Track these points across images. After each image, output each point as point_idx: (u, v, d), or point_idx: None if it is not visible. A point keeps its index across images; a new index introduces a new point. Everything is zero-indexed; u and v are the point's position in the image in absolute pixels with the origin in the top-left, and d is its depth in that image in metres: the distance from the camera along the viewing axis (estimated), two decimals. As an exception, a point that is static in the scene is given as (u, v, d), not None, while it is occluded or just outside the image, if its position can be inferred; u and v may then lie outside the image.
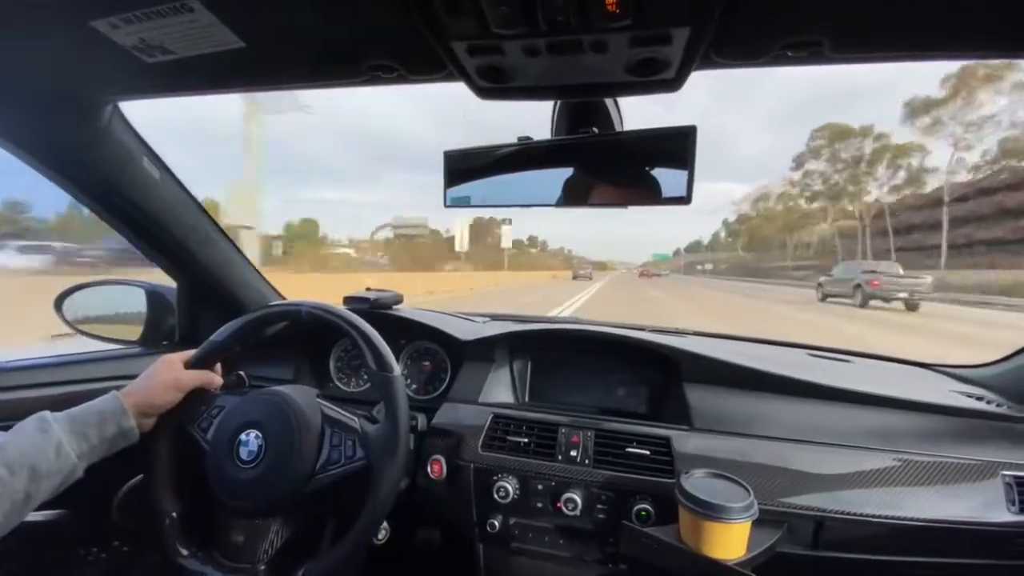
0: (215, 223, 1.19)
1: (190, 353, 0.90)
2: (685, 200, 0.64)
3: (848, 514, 0.85)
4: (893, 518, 0.84)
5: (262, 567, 0.78)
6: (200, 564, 0.78)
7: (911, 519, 0.84)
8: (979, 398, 1.05)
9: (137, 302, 1.37)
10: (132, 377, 0.84)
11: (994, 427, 0.96)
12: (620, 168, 0.70)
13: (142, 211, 1.04)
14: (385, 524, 0.93)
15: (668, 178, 0.65)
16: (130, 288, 1.37)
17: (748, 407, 1.01)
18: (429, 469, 1.00)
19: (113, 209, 1.03)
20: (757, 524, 0.76)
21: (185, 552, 0.80)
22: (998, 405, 1.01)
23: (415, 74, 0.62)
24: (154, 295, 1.34)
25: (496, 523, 0.97)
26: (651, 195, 0.67)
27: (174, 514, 0.83)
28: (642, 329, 1.37)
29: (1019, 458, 0.89)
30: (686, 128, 0.62)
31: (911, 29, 0.48)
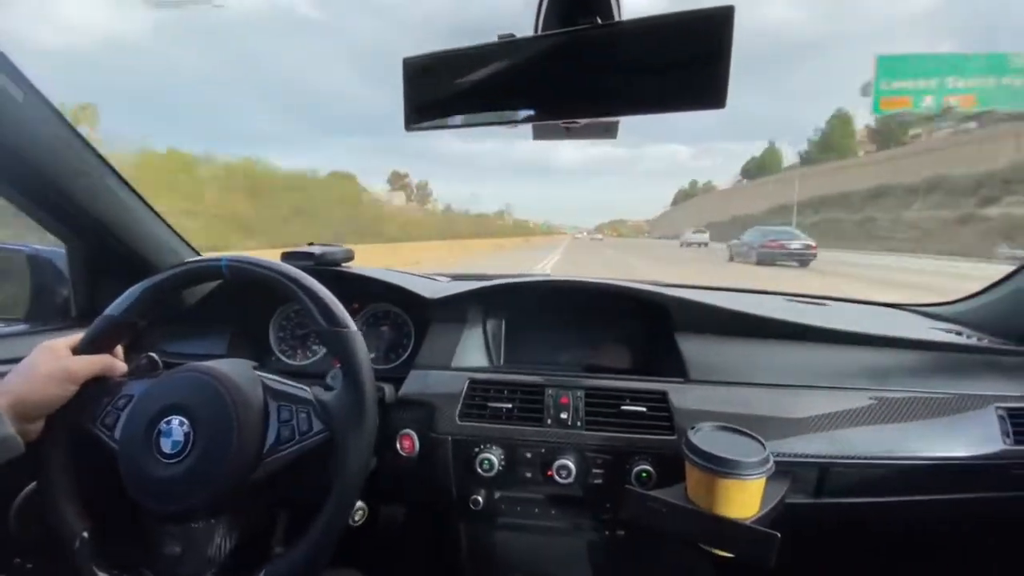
0: (109, 165, 0.95)
1: (77, 337, 0.70)
2: (718, 102, 0.52)
3: (850, 458, 0.82)
4: (893, 458, 0.82)
5: None
6: None
7: (910, 457, 0.82)
8: (958, 333, 1.06)
9: (19, 270, 1.12)
10: (17, 362, 0.65)
11: (980, 360, 0.96)
12: (633, 68, 0.56)
13: (3, 149, 0.80)
14: (361, 503, 0.80)
15: (698, 75, 0.52)
16: (6, 253, 1.12)
17: (743, 354, 0.95)
18: (399, 446, 0.87)
19: None
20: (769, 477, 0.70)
21: None
22: (979, 339, 1.02)
23: None
24: (38, 261, 1.10)
25: (480, 499, 0.87)
26: (673, 99, 0.55)
27: (85, 534, 0.66)
28: (619, 283, 1.29)
29: (1009, 390, 0.90)
30: (721, 8, 0.50)
31: None
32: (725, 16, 0.50)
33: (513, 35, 0.61)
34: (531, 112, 0.63)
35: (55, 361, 0.66)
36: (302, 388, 0.69)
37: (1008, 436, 0.84)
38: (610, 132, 0.76)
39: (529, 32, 0.62)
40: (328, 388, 0.69)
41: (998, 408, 0.87)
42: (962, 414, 0.87)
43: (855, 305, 1.33)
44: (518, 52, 0.61)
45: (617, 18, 0.59)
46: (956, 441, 0.85)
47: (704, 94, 0.53)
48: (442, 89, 0.66)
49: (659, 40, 0.55)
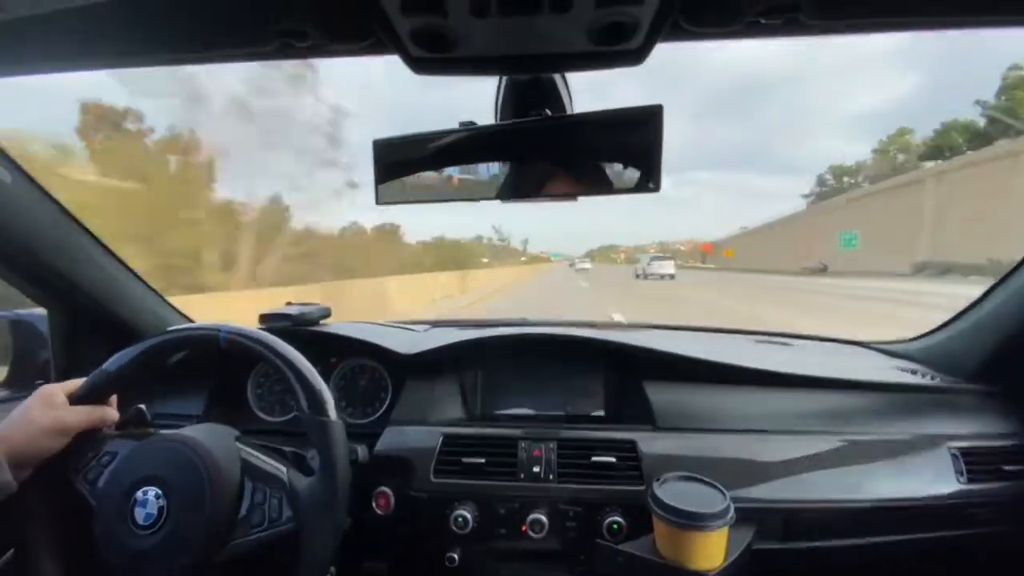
0: (92, 235, 0.99)
1: (75, 383, 0.73)
2: (653, 188, 0.57)
3: (814, 502, 0.85)
4: (855, 500, 0.85)
5: None
6: None
7: (871, 500, 0.85)
8: (914, 372, 1.10)
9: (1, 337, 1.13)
10: None
11: (933, 400, 1.00)
12: (577, 155, 0.62)
13: None
14: (332, 569, 0.81)
15: (634, 163, 0.58)
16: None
17: (708, 401, 0.99)
18: (375, 504, 0.88)
19: None
20: (732, 525, 0.73)
21: None
22: (932, 378, 1.06)
23: (335, 41, 0.50)
24: (20, 326, 1.12)
25: (455, 556, 0.87)
26: (613, 184, 0.60)
27: None
28: (593, 326, 1.33)
29: (961, 429, 0.94)
30: (652, 108, 0.56)
31: None
32: (655, 113, 0.56)
33: (474, 122, 0.66)
34: (490, 190, 0.68)
35: (51, 411, 0.68)
36: (278, 468, 0.70)
37: (962, 475, 0.88)
38: (570, 197, 0.82)
39: (487, 120, 0.68)
40: (303, 469, 0.71)
41: (951, 447, 0.90)
42: (918, 455, 0.90)
43: (819, 343, 1.38)
44: (478, 138, 0.66)
45: (568, 111, 0.66)
46: (913, 482, 0.88)
47: (641, 180, 0.58)
48: (409, 168, 0.71)
49: (600, 132, 0.61)
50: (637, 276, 26.99)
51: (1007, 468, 0.89)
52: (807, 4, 0.45)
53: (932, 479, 0.88)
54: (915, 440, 0.92)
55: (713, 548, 0.73)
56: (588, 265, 63.69)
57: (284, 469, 0.70)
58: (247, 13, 0.48)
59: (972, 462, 0.89)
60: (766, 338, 1.37)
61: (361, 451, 0.85)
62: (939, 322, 1.19)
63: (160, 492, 0.64)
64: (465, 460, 0.91)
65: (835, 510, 0.85)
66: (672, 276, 24.98)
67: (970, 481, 0.88)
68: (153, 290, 1.15)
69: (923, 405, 0.99)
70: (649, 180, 0.58)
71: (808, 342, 1.38)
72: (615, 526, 0.83)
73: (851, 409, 0.98)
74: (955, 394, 1.01)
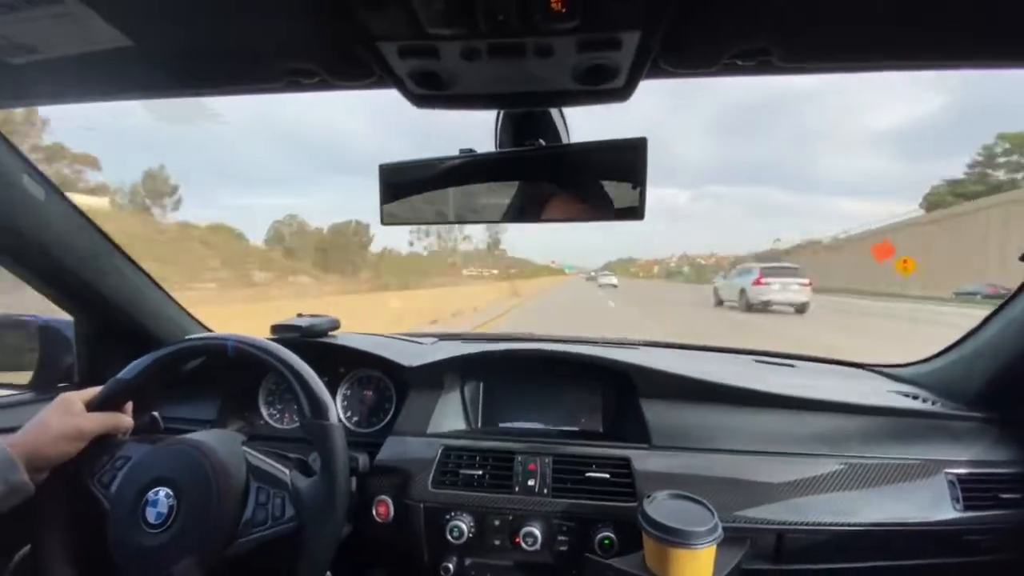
0: (118, 247, 1.05)
1: (93, 391, 0.77)
2: (638, 215, 0.60)
3: (806, 524, 0.85)
4: (849, 524, 0.85)
5: None
6: None
7: (866, 524, 0.85)
8: (915, 397, 1.10)
9: (29, 340, 1.19)
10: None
11: (932, 425, 1.00)
12: (569, 182, 0.66)
13: (23, 237, 0.89)
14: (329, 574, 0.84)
15: (619, 191, 0.62)
16: (20, 324, 1.20)
17: (704, 420, 1.00)
18: (375, 511, 0.91)
19: None
20: (721, 543, 0.74)
21: None
22: (932, 403, 1.06)
23: (340, 79, 0.55)
24: (48, 331, 1.17)
25: (451, 566, 0.89)
26: (601, 210, 0.64)
27: None
28: (594, 343, 1.35)
29: (958, 455, 0.93)
30: (636, 140, 0.59)
31: (861, 38, 0.47)
32: (639, 146, 0.59)
33: (473, 150, 0.70)
34: (488, 213, 0.72)
35: (69, 418, 0.72)
36: (282, 470, 0.74)
37: (958, 502, 0.87)
38: (563, 221, 0.85)
39: (487, 148, 0.72)
40: (306, 471, 0.75)
41: (948, 474, 0.90)
42: (914, 480, 0.90)
43: (819, 365, 1.38)
44: (476, 165, 0.70)
45: (564, 140, 0.70)
46: (909, 507, 0.88)
47: (626, 208, 0.62)
48: (413, 191, 0.76)
49: (589, 162, 0.65)
50: (727, 303, 15.20)
51: (1005, 496, 0.89)
52: (777, 49, 0.48)
53: (928, 505, 0.88)
54: (912, 465, 0.91)
55: (700, 566, 0.74)
56: (614, 280, 47.56)
57: (287, 471, 0.73)
58: (258, 54, 0.53)
59: (969, 489, 0.89)
60: (766, 359, 1.38)
61: (362, 460, 0.88)
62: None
63: (171, 492, 0.68)
64: (463, 472, 0.93)
65: (828, 532, 0.85)
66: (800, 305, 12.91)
67: (967, 508, 0.87)
68: (173, 300, 1.21)
69: (921, 430, 0.99)
70: (634, 207, 0.61)
71: (809, 364, 1.38)
72: (607, 541, 0.85)
73: (848, 432, 0.98)
74: (953, 420, 1.00)
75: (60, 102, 0.64)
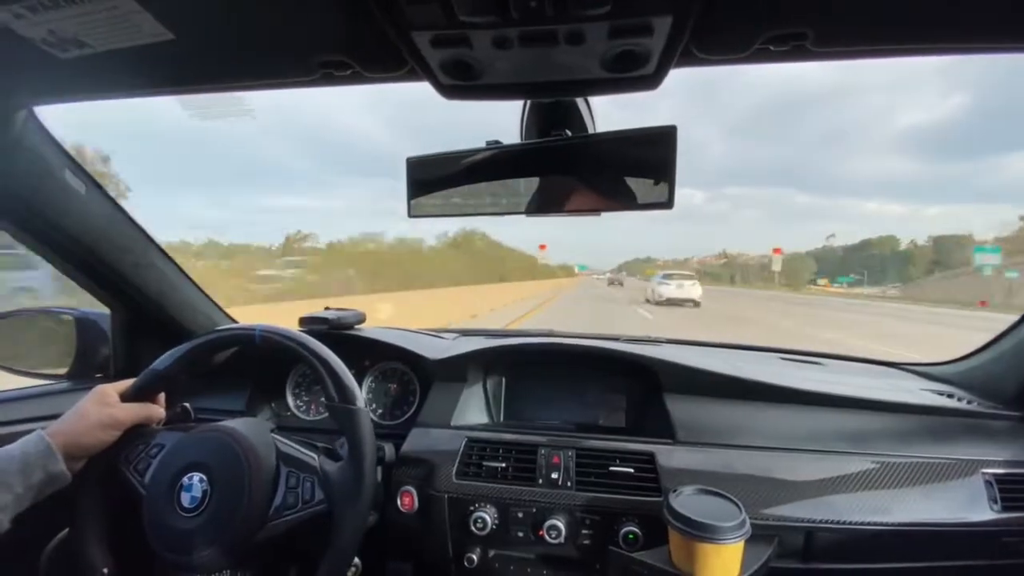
0: (153, 242, 1.08)
1: (127, 383, 0.80)
2: (667, 204, 0.60)
3: (836, 523, 0.83)
4: (880, 524, 0.83)
5: None
6: None
7: (898, 524, 0.83)
8: (949, 395, 1.07)
9: (66, 332, 1.24)
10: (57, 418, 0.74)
11: (968, 424, 0.97)
12: (596, 173, 0.66)
13: (64, 231, 0.93)
14: (357, 560, 0.85)
15: (648, 181, 0.61)
16: (58, 316, 1.24)
17: (730, 416, 0.99)
18: (399, 502, 0.92)
19: (30, 229, 0.91)
20: (749, 541, 0.73)
21: None
22: (968, 402, 1.03)
23: (372, 71, 0.56)
24: (85, 323, 1.21)
25: (474, 557, 0.90)
26: (630, 200, 0.63)
27: (105, 570, 0.73)
28: (616, 339, 1.34)
29: (996, 455, 0.90)
30: (666, 128, 0.59)
31: (898, 22, 0.46)
32: (670, 134, 0.59)
33: (499, 142, 0.71)
34: (515, 205, 0.72)
35: (105, 408, 0.75)
36: (311, 455, 0.75)
37: (996, 503, 0.85)
38: (591, 212, 0.85)
39: (512, 140, 0.72)
40: (334, 457, 0.76)
41: (985, 474, 0.87)
42: (950, 480, 0.87)
43: (849, 363, 1.35)
44: (503, 157, 0.71)
45: (591, 130, 0.70)
46: (944, 507, 0.85)
47: (655, 196, 0.61)
48: (439, 184, 0.76)
49: (618, 152, 0.64)
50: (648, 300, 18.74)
51: None
52: (813, 32, 0.47)
53: (963, 505, 0.85)
54: (947, 464, 0.89)
55: (728, 562, 0.73)
56: (620, 280, 48.78)
57: (316, 456, 0.75)
58: (292, 48, 0.54)
59: (1007, 489, 0.86)
60: (793, 356, 1.35)
61: (388, 450, 0.90)
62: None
63: (204, 477, 0.70)
64: (486, 464, 0.94)
65: (859, 532, 0.83)
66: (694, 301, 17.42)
67: (1004, 509, 0.84)
68: (205, 294, 1.24)
69: (956, 429, 0.96)
70: (664, 197, 0.60)
71: (838, 362, 1.35)
72: (631, 535, 0.84)
73: (879, 430, 0.96)
74: (991, 419, 0.97)
75: (105, 96, 0.66)
